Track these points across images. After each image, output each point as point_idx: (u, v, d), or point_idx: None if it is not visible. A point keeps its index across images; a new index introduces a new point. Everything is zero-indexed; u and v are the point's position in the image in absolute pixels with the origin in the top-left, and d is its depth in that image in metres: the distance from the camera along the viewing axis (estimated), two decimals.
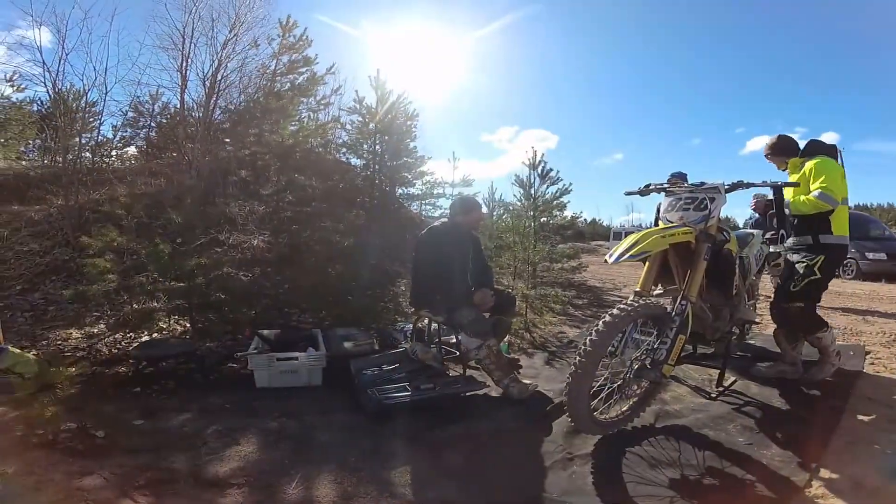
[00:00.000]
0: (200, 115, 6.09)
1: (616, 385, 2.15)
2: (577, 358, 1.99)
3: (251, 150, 5.41)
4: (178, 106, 6.13)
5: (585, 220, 44.76)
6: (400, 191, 8.38)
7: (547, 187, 6.12)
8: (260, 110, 6.06)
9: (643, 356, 2.13)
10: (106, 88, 5.70)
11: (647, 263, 2.38)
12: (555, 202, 6.02)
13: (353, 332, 3.41)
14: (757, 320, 3.51)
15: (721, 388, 2.71)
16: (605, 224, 37.90)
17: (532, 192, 6.12)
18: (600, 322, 2.02)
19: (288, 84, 6.42)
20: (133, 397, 2.69)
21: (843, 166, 2.89)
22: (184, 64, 5.90)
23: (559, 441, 2.19)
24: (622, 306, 2.05)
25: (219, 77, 5.99)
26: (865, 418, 2.37)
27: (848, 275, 11.30)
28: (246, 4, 6.39)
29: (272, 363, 2.85)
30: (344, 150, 7.12)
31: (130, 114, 7.42)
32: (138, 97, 7.24)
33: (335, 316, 3.92)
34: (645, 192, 2.63)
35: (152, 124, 7.61)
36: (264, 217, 5.26)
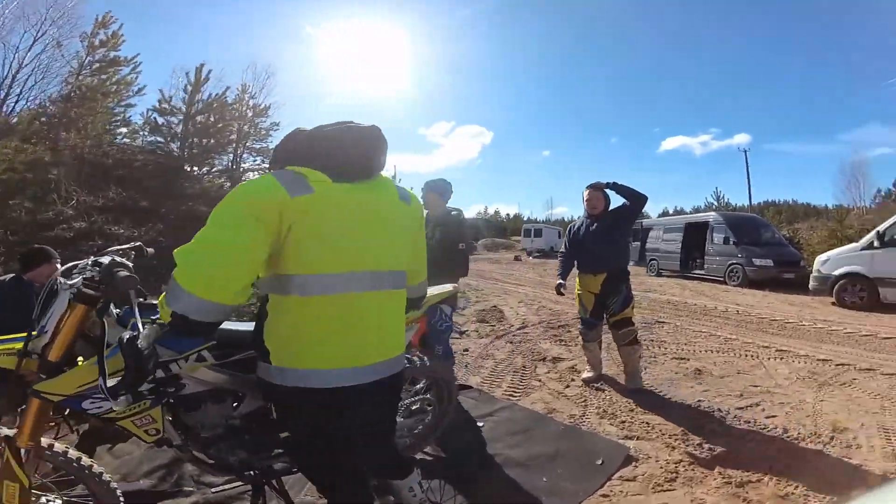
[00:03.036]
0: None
1: None
2: None
3: (43, 157, 4.73)
4: None
5: (508, 215, 46.87)
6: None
7: None
8: (61, 113, 5.38)
9: None
10: None
11: None
12: None
13: None
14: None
15: None
16: (525, 219, 41.04)
17: None
18: None
19: (95, 81, 5.74)
20: None
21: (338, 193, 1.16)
22: None
23: None
24: None
25: (17, 78, 5.32)
26: None
27: (734, 281, 10.43)
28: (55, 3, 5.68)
29: None
30: (159, 155, 6.43)
31: None
32: None
33: None
34: None
35: None
36: (28, 239, 4.58)
